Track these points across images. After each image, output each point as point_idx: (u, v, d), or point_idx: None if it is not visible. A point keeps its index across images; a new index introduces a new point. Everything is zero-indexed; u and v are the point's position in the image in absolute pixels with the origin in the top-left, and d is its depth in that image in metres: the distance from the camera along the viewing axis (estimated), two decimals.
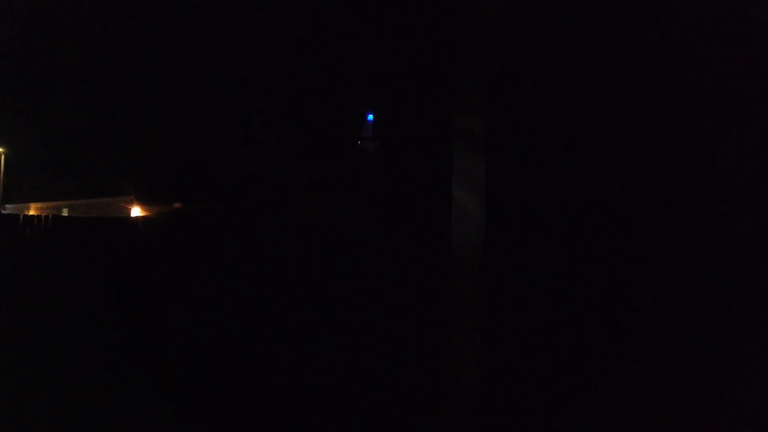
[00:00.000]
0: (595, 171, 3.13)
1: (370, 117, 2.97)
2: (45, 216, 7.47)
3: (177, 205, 12.76)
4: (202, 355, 5.25)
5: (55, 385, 4.86)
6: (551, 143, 3.18)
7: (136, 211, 13.63)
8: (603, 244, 3.10)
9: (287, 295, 5.01)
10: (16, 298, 6.62)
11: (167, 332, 5.89)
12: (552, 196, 3.16)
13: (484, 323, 2.51)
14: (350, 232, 3.98)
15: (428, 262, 2.10)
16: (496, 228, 2.77)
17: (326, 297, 4.16)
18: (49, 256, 7.07)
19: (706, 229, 2.84)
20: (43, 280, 6.91)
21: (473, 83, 2.21)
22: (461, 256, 2.17)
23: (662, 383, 2.95)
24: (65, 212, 14.55)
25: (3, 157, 19.57)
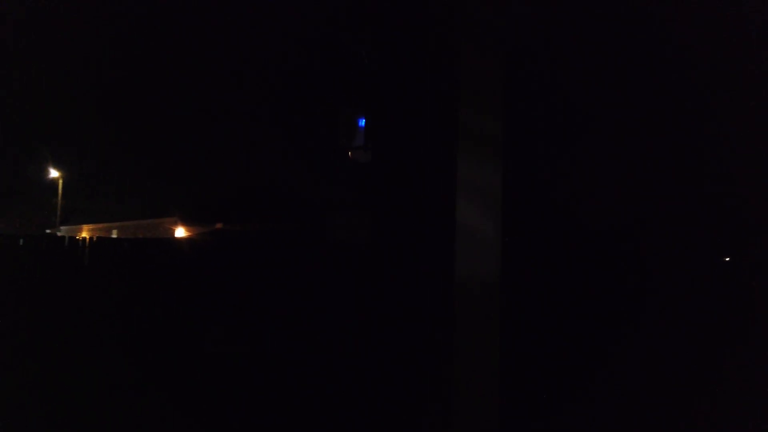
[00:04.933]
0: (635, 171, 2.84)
1: (362, 122, 2.75)
2: (90, 237, 7.80)
3: (218, 225, 13.08)
4: (238, 369, 5.20)
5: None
6: (576, 145, 2.88)
7: (180, 232, 14.02)
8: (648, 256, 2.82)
9: (319, 309, 4.93)
10: (60, 311, 6.89)
11: (203, 348, 5.90)
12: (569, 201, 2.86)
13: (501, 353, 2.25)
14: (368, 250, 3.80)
15: (431, 285, 1.89)
16: (514, 245, 2.52)
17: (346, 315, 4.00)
18: (89, 274, 7.33)
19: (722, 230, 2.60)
20: (83, 296, 7.20)
21: (483, 78, 1.96)
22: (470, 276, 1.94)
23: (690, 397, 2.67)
24: (115, 233, 15.14)
25: (61, 181, 20.66)
